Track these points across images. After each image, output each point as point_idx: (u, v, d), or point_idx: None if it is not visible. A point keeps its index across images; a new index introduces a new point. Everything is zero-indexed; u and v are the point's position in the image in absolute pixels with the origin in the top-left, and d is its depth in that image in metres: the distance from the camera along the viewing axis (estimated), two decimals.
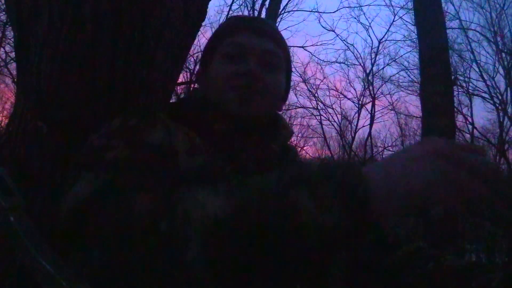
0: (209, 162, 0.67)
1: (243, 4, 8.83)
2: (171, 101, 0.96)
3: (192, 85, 9.21)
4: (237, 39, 0.78)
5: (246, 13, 8.92)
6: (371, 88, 11.46)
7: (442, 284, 0.68)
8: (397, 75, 11.82)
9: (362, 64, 11.77)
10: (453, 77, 4.53)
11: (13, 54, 7.37)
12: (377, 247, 0.77)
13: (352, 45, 15.98)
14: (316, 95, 11.85)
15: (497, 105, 10.65)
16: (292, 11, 10.34)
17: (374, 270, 0.76)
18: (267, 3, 8.08)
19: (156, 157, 0.62)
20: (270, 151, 0.76)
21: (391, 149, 12.99)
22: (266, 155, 0.75)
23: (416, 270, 0.72)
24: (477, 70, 10.65)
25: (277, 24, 8.54)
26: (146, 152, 0.62)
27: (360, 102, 11.80)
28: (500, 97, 10.64)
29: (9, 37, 8.39)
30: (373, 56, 11.43)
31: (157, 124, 0.67)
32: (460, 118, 10.24)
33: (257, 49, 0.77)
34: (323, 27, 13.70)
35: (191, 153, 0.66)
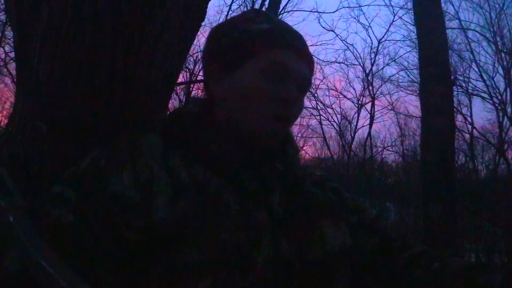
0: (194, 208, 0.62)
1: (243, 4, 8.82)
2: (169, 102, 0.96)
3: (192, 86, 9.20)
4: (278, 57, 0.70)
5: None
6: (370, 88, 11.49)
7: (446, 283, 0.68)
8: (396, 75, 11.92)
9: (361, 64, 11.81)
10: (452, 77, 4.53)
11: (12, 54, 7.36)
12: (382, 250, 0.77)
13: (351, 45, 16.08)
14: (315, 95, 11.85)
15: (497, 105, 10.66)
16: (291, 11, 10.34)
17: (379, 272, 0.76)
18: (266, 3, 8.07)
19: (110, 212, 0.59)
20: (274, 170, 0.72)
21: (390, 149, 13.01)
22: (269, 176, 0.71)
23: (421, 270, 0.72)
24: (476, 70, 10.68)
25: None
26: (98, 210, 0.58)
27: (359, 102, 11.83)
28: (499, 97, 10.67)
29: (9, 37, 8.39)
30: (372, 56, 11.48)
31: (128, 165, 0.63)
32: (459, 118, 10.27)
33: (297, 73, 0.71)
34: (322, 27, 13.74)
35: (174, 199, 0.62)
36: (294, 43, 0.72)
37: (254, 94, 0.69)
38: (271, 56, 0.70)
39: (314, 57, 0.79)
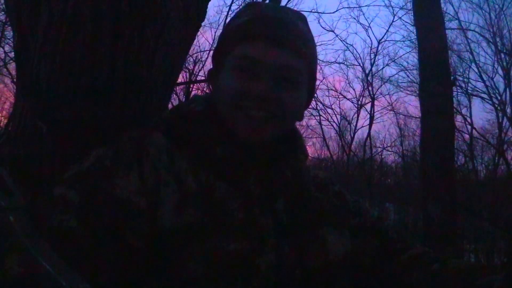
0: (200, 217, 0.60)
1: (243, 4, 8.82)
2: (170, 105, 0.96)
3: (192, 86, 9.21)
4: (249, 51, 0.65)
5: None
6: (370, 88, 11.49)
7: (446, 284, 0.68)
8: (396, 76, 11.85)
9: (361, 65, 11.81)
10: (452, 77, 4.53)
11: (12, 54, 7.37)
12: (383, 252, 0.77)
13: (351, 45, 16.04)
14: (315, 95, 11.85)
15: (496, 105, 10.67)
16: None
17: (378, 273, 0.76)
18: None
19: (114, 217, 0.56)
20: (283, 177, 0.70)
21: (390, 150, 13.02)
22: (276, 181, 0.69)
23: (421, 271, 0.72)
24: (476, 70, 10.69)
25: None
26: (103, 214, 0.56)
27: (359, 103, 11.84)
28: (499, 98, 10.67)
29: (9, 37, 8.39)
30: (372, 56, 11.47)
31: (135, 167, 0.60)
32: (459, 118, 10.27)
33: (273, 64, 0.65)
34: (322, 27, 13.63)
35: (181, 206, 0.60)
36: (269, 32, 0.66)
37: (225, 95, 0.67)
38: (242, 51, 0.66)
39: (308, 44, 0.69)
